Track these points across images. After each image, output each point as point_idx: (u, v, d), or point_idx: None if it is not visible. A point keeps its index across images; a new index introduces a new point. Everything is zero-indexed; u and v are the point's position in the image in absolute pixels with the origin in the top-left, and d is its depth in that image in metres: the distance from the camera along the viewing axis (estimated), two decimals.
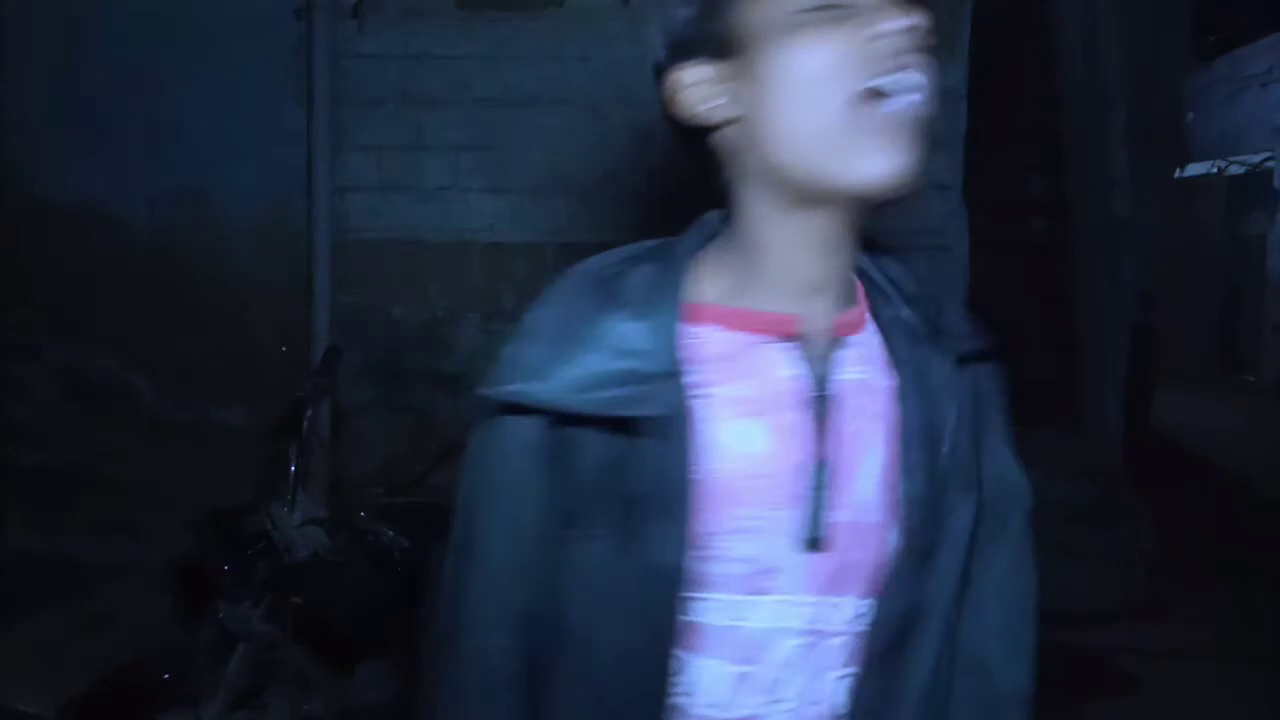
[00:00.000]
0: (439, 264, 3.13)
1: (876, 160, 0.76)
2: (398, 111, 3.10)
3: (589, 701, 0.81)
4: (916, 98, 0.76)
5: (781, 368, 0.81)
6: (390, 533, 2.15)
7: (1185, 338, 10.27)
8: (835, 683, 0.82)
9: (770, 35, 0.77)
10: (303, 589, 2.06)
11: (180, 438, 3.14)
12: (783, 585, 0.80)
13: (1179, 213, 10.70)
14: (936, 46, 0.79)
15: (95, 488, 3.15)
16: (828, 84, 0.75)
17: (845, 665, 0.83)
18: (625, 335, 0.78)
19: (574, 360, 0.77)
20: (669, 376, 0.77)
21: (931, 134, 0.79)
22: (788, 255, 0.82)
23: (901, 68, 0.75)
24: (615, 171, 3.00)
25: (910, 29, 0.75)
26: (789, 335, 0.81)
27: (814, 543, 0.79)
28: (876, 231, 0.88)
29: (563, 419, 0.78)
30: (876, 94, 0.75)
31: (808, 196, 0.80)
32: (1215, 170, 11.73)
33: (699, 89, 0.81)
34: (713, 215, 0.87)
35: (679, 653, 0.80)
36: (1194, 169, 11.60)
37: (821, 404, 0.81)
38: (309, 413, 2.18)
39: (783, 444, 0.80)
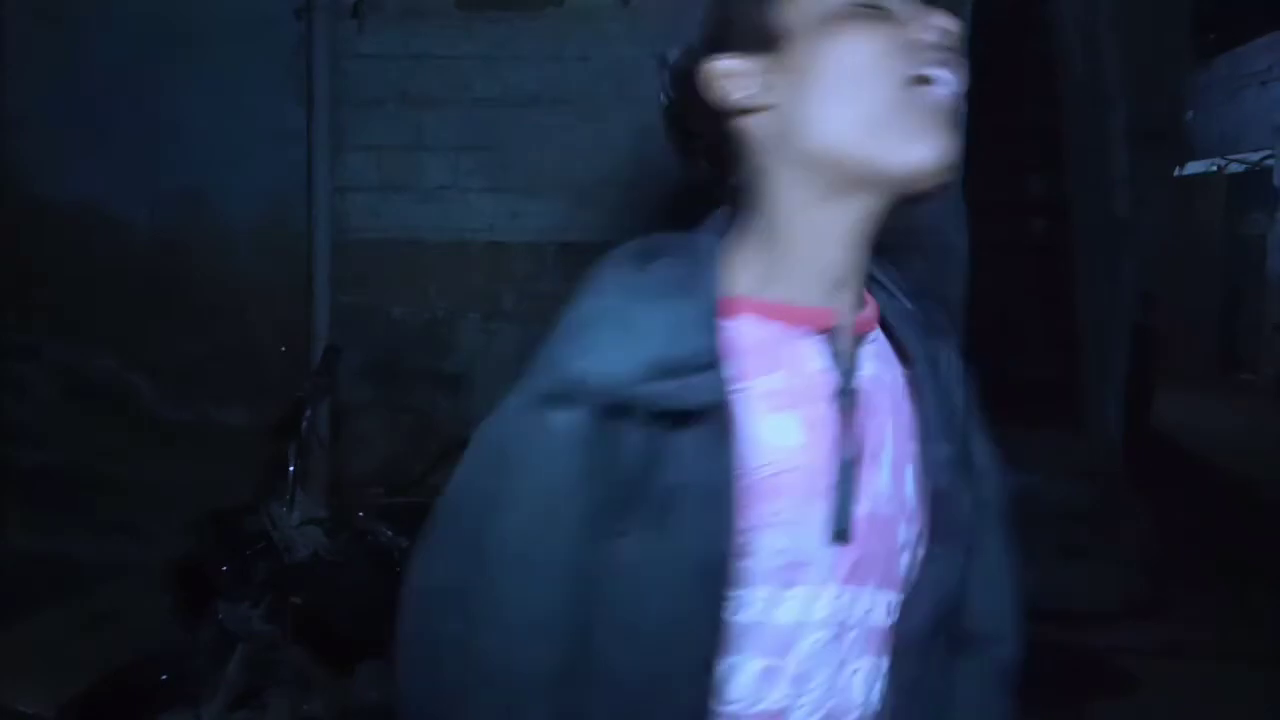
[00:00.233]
0: (439, 264, 3.13)
1: (923, 145, 0.78)
2: (398, 111, 3.10)
3: (621, 714, 0.78)
4: (955, 90, 0.80)
5: (813, 361, 0.83)
6: (390, 533, 2.15)
7: (1185, 338, 10.28)
8: (856, 676, 0.84)
9: (813, 29, 0.80)
10: (302, 589, 2.06)
11: (180, 438, 3.15)
12: (810, 578, 0.81)
13: (1179, 212, 10.71)
14: None
15: (95, 488, 3.15)
16: (877, 71, 0.78)
17: (864, 657, 0.84)
18: (667, 327, 0.77)
19: (623, 352, 0.76)
20: (710, 368, 0.77)
21: None
22: (817, 248, 0.83)
23: (940, 64, 0.79)
24: (615, 171, 3.00)
25: (945, 31, 0.79)
26: (822, 328, 0.83)
27: (840, 534, 0.81)
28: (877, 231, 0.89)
29: (607, 412, 0.76)
30: (922, 80, 0.78)
31: (847, 185, 0.81)
32: (1215, 169, 11.75)
33: (734, 80, 0.83)
34: (724, 212, 0.88)
35: (723, 658, 0.78)
36: (1194, 167, 11.62)
37: (848, 397, 0.82)
38: (309, 413, 2.18)
39: (815, 437, 0.81)
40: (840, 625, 0.82)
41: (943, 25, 0.79)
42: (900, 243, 0.92)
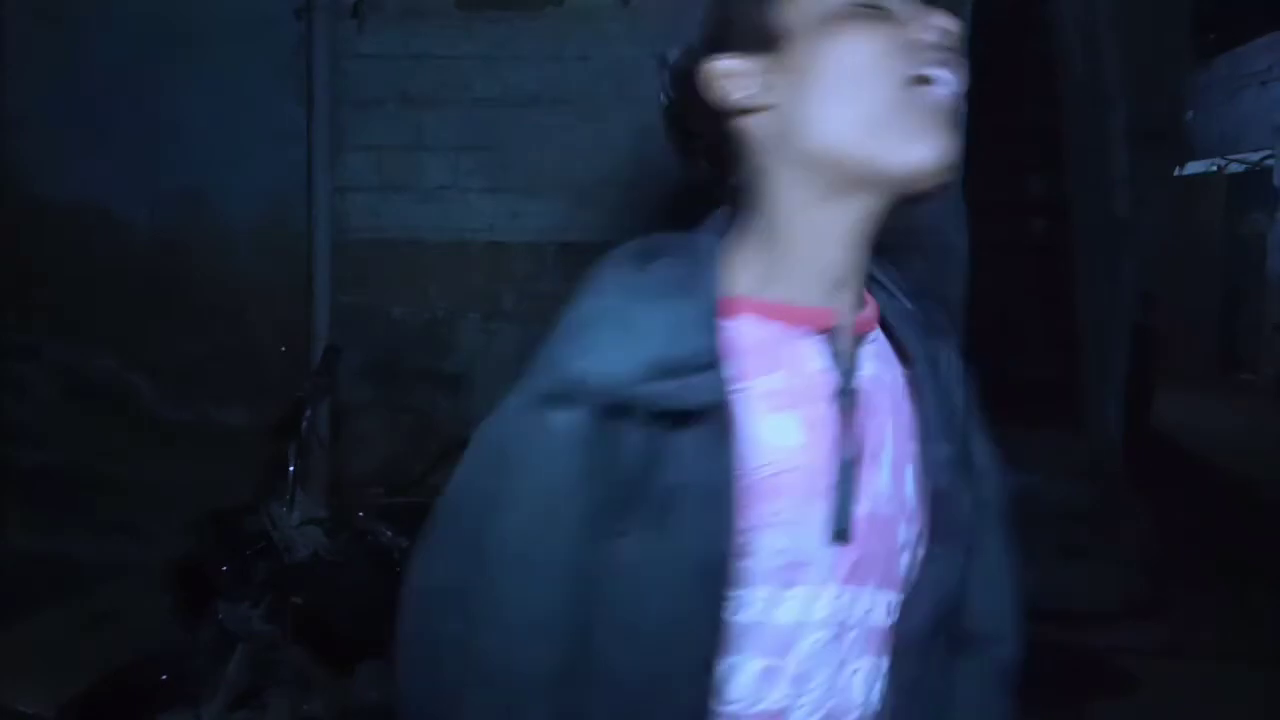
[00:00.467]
0: (439, 264, 3.13)
1: (923, 145, 0.78)
2: (398, 111, 3.10)
3: (621, 714, 0.78)
4: (955, 91, 0.80)
5: (813, 361, 0.83)
6: (390, 533, 2.15)
7: (1185, 338, 10.28)
8: (856, 676, 0.84)
9: (813, 29, 0.80)
10: (302, 589, 2.06)
11: (180, 438, 3.15)
12: (810, 578, 0.81)
13: (1179, 212, 10.71)
14: None
15: (95, 488, 3.15)
16: (877, 71, 0.78)
17: (864, 657, 0.84)
18: (667, 327, 0.77)
19: (623, 352, 0.76)
20: (710, 368, 0.77)
21: None
22: (818, 248, 0.83)
23: (941, 64, 0.79)
24: (615, 171, 3.00)
25: (945, 31, 0.79)
26: (822, 328, 0.83)
27: (840, 534, 0.81)
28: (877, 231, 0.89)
29: (607, 412, 0.76)
30: (923, 80, 0.78)
31: (847, 185, 0.81)
32: (1215, 169, 11.75)
33: (734, 80, 0.83)
34: (724, 212, 0.88)
35: (723, 658, 0.78)
36: (1194, 167, 11.62)
37: (847, 398, 0.82)
38: (309, 413, 2.18)
39: (815, 437, 0.81)
40: (840, 625, 0.82)
41: (943, 25, 0.79)
42: (900, 243, 0.92)
